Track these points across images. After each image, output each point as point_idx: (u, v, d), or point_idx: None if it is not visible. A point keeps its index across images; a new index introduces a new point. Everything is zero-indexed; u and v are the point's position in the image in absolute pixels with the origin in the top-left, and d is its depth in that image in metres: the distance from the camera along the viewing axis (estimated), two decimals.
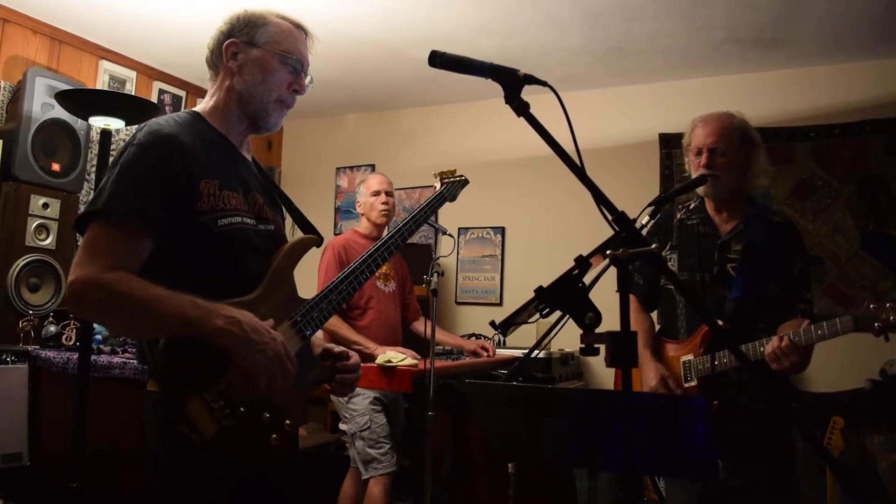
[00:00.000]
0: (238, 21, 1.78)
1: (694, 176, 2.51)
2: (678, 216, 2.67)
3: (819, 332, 2.17)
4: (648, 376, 2.49)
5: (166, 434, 1.54)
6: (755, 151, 2.53)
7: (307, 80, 1.84)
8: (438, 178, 2.75)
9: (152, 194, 1.52)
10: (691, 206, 2.66)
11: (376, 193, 3.69)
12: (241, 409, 1.49)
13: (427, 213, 2.19)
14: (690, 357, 2.46)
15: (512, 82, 1.42)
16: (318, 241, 1.84)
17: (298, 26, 1.84)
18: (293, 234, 1.82)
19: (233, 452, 1.49)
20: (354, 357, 1.90)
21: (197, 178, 1.59)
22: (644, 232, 2.43)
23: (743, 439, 2.35)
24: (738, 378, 2.40)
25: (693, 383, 2.44)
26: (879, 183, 4.56)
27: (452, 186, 2.57)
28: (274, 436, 1.56)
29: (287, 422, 1.60)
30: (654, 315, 2.78)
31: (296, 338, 1.67)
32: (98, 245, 1.48)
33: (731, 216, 2.54)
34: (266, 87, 1.75)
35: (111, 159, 1.62)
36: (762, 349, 2.25)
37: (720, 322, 2.37)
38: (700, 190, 2.53)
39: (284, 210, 1.97)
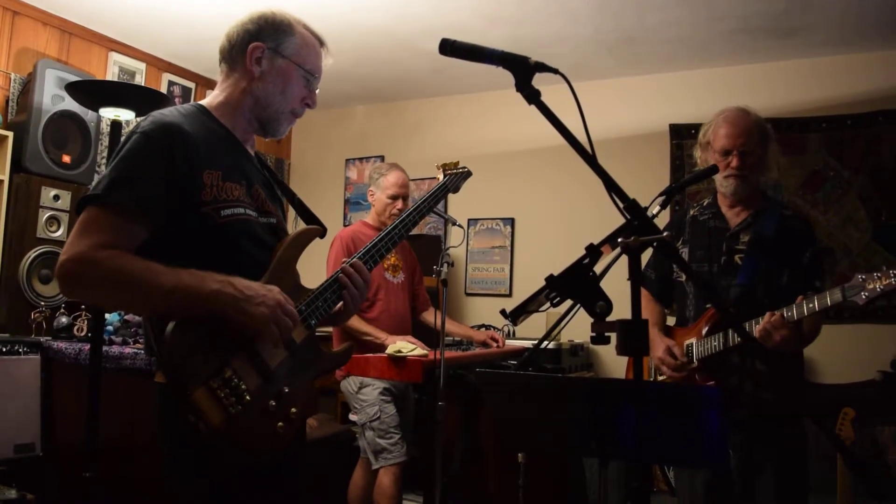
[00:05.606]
0: (266, 24, 1.77)
1: (723, 176, 2.50)
2: (691, 213, 2.69)
3: (810, 305, 2.17)
4: (656, 351, 2.53)
5: (174, 424, 1.54)
6: (770, 145, 2.54)
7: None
8: (441, 169, 2.79)
9: (152, 182, 1.52)
10: (705, 203, 2.68)
11: (393, 198, 3.68)
12: (247, 397, 1.50)
13: (431, 203, 2.22)
14: (693, 340, 2.49)
15: (523, 70, 1.42)
16: (322, 231, 1.85)
17: (321, 41, 1.87)
18: (296, 227, 1.82)
19: (239, 440, 1.50)
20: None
21: (200, 167, 1.59)
22: None
23: (749, 428, 2.35)
24: (741, 364, 2.40)
25: (693, 365, 2.46)
26: (892, 174, 4.53)
27: (455, 178, 2.60)
28: (280, 423, 1.57)
29: (293, 409, 1.61)
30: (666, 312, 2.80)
31: (301, 327, 1.68)
32: (92, 226, 1.48)
33: (744, 211, 2.55)
34: (283, 99, 1.78)
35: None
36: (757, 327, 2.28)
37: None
38: (725, 189, 2.52)
39: (288, 204, 1.98)
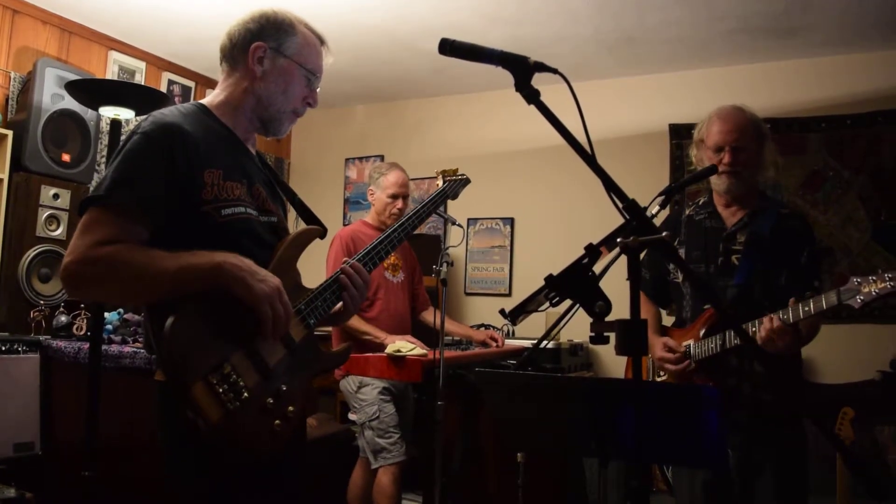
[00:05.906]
0: (268, 23, 1.77)
1: (717, 172, 2.49)
2: (687, 212, 2.67)
3: (805, 308, 2.16)
4: (655, 350, 2.53)
5: (174, 422, 1.54)
6: (766, 143, 2.52)
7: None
8: (441, 175, 2.80)
9: (152, 182, 1.53)
10: (700, 203, 2.66)
11: (393, 197, 3.68)
12: (245, 393, 1.50)
13: (430, 209, 2.24)
14: (691, 342, 2.48)
15: (522, 70, 1.42)
16: (322, 232, 1.85)
17: (322, 40, 1.87)
18: (297, 227, 1.83)
19: (237, 437, 1.50)
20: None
21: (200, 167, 1.59)
22: None
23: (748, 429, 2.35)
24: (739, 365, 2.40)
25: (692, 367, 2.45)
26: (892, 174, 4.53)
27: (454, 185, 2.63)
28: (277, 421, 1.57)
29: (290, 408, 1.61)
30: (665, 312, 2.79)
31: (300, 326, 1.68)
32: (93, 226, 1.49)
33: (740, 210, 2.53)
34: (285, 98, 1.78)
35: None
36: (754, 330, 2.26)
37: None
38: (719, 186, 2.51)
39: (288, 203, 1.98)
